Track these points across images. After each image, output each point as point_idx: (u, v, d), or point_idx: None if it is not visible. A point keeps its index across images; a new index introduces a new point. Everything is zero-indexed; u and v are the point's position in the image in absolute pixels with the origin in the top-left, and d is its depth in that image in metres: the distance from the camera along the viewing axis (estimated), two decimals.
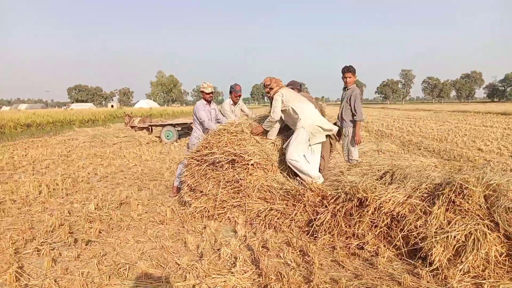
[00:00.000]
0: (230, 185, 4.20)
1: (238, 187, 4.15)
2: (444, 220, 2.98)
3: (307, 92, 5.84)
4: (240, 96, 5.62)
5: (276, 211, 3.87)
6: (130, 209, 4.58)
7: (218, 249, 3.26)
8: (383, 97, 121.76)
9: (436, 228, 2.95)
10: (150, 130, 13.43)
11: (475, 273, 2.69)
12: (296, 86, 5.05)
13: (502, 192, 3.08)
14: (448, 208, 3.05)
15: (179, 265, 3.00)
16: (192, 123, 13.85)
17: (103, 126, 19.19)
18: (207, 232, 3.69)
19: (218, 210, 4.15)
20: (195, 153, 4.51)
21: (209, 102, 5.23)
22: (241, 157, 4.13)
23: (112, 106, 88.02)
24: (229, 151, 4.19)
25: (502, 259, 2.72)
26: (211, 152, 4.30)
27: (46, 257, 3.10)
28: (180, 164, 5.06)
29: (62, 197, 5.24)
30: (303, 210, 3.75)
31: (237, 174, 4.17)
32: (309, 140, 4.18)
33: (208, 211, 4.17)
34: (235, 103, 5.67)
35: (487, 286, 2.52)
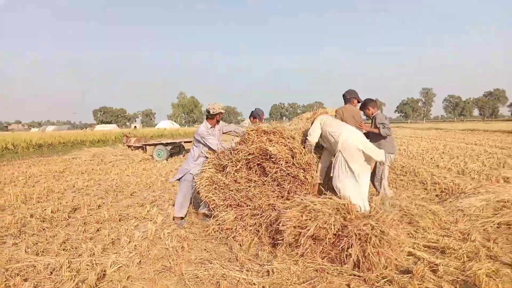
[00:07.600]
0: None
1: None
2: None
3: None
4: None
5: None
6: (79, 213, 5.52)
7: (118, 239, 4.15)
8: (403, 116, 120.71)
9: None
10: (144, 149, 14.58)
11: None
12: (354, 96, 5.12)
13: None
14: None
15: (84, 248, 3.89)
16: (181, 142, 15.09)
17: (111, 146, 20.55)
18: (124, 228, 4.59)
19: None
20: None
21: (218, 122, 4.96)
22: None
23: (135, 127, 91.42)
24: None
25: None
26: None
27: None
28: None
29: (33, 204, 6.25)
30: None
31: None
32: (348, 165, 3.83)
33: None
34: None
35: (301, 262, 3.29)
